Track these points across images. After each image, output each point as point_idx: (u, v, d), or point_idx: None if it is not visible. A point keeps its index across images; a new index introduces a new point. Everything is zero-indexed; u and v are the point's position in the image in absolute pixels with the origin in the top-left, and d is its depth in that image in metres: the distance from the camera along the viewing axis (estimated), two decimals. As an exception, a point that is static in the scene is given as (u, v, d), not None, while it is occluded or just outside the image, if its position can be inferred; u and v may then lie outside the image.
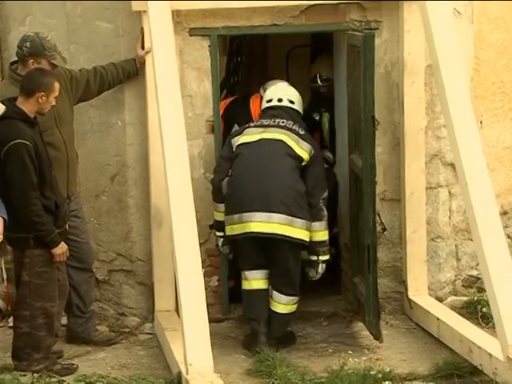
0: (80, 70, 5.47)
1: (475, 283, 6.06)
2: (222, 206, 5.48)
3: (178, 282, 4.80)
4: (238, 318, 5.86)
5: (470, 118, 5.17)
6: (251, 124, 5.60)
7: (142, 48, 5.52)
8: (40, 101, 4.85)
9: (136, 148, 5.72)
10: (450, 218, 5.98)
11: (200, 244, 5.09)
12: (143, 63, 5.54)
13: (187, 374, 4.58)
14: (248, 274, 5.50)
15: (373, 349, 5.35)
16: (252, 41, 7.13)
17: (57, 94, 4.91)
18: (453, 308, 5.76)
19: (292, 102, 5.60)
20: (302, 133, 5.50)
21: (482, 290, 5.75)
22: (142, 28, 5.51)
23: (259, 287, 5.48)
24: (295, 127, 5.51)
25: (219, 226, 5.54)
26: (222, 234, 5.53)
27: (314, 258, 5.46)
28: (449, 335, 5.28)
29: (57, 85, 4.91)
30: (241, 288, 6.06)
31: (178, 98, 5.18)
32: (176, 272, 4.85)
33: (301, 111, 5.66)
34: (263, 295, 5.48)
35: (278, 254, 5.40)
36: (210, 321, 4.85)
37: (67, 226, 5.04)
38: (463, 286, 6.08)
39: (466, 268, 6.08)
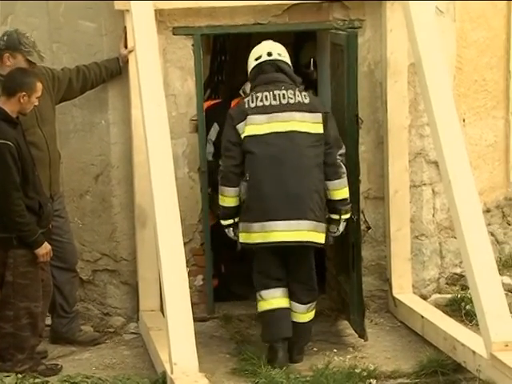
0: (62, 69, 5.44)
1: (459, 281, 6.08)
2: (232, 191, 5.10)
3: (163, 282, 4.79)
4: (222, 317, 5.86)
5: (452, 117, 5.18)
6: (250, 104, 5.10)
7: (125, 47, 5.51)
8: (22, 101, 4.83)
9: (120, 147, 5.71)
10: (433, 215, 6.00)
11: (184, 243, 5.08)
12: (126, 62, 5.53)
13: (172, 373, 4.57)
14: (266, 293, 5.15)
15: (357, 347, 5.36)
16: (235, 40, 7.13)
17: (39, 94, 4.88)
18: (437, 306, 5.77)
19: (282, 56, 5.23)
20: (306, 101, 5.11)
21: (465, 287, 5.78)
22: (125, 27, 5.50)
23: (281, 306, 5.16)
24: (298, 97, 5.10)
25: (227, 212, 5.17)
26: (230, 221, 5.20)
27: (336, 217, 5.16)
28: (433, 333, 5.30)
29: (39, 85, 4.89)
30: (224, 287, 6.07)
31: (161, 97, 5.16)
32: (160, 271, 4.83)
33: (291, 65, 5.28)
34: (287, 314, 5.16)
35: (299, 261, 5.15)
36: (195, 320, 4.85)
37: (51, 226, 5.02)
38: (447, 283, 6.11)
39: (449, 266, 6.10)
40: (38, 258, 4.87)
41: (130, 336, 5.67)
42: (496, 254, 6.26)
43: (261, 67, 5.18)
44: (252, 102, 5.11)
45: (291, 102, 5.09)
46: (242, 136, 5.06)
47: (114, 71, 5.57)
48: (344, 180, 5.13)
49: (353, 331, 5.45)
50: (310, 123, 5.07)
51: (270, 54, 5.20)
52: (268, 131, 5.07)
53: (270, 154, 5.04)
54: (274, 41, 5.42)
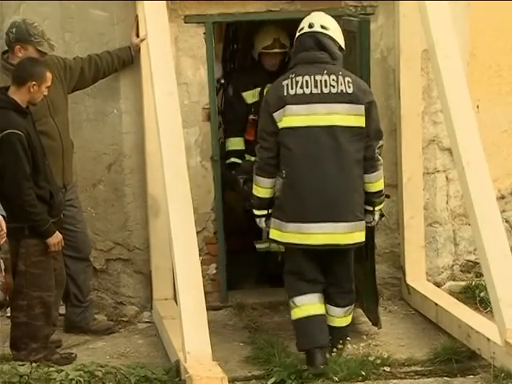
0: (74, 59, 5.44)
1: (473, 268, 6.06)
2: (268, 182, 4.84)
3: (176, 271, 4.80)
4: (236, 305, 5.86)
5: (466, 103, 5.15)
6: (289, 90, 4.73)
7: (137, 36, 5.49)
8: (32, 90, 4.83)
9: (132, 136, 5.70)
10: (447, 203, 5.97)
11: (197, 232, 5.12)
12: (138, 51, 5.51)
13: (185, 361, 4.59)
14: (300, 299, 4.86)
15: (371, 335, 5.34)
16: (248, 27, 7.10)
17: (49, 83, 4.88)
18: (451, 293, 5.75)
19: (325, 28, 4.80)
20: (350, 90, 4.73)
21: (480, 274, 5.75)
22: (137, 16, 5.48)
23: (317, 313, 4.86)
24: (341, 85, 4.71)
25: (261, 203, 4.92)
26: (264, 212, 4.94)
27: (370, 208, 4.97)
28: (447, 320, 5.28)
29: (49, 74, 4.89)
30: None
31: (173, 85, 5.15)
32: (173, 260, 4.84)
33: (340, 42, 4.88)
34: (324, 321, 4.88)
35: (337, 263, 4.92)
36: (209, 309, 4.87)
37: (62, 216, 5.03)
38: (461, 271, 6.08)
39: (463, 253, 6.08)
40: (49, 248, 4.88)
41: (143, 325, 5.69)
42: (511, 241, 6.24)
43: (300, 40, 4.82)
44: (291, 87, 4.73)
45: (333, 91, 4.72)
46: (279, 125, 4.75)
47: (126, 60, 5.56)
48: (380, 172, 4.92)
49: (366, 319, 5.44)
50: (352, 116, 4.74)
51: (311, 26, 4.79)
52: (307, 124, 4.73)
53: (308, 152, 4.72)
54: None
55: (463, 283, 5.91)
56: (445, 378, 4.80)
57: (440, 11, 5.32)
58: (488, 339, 4.76)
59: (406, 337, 5.33)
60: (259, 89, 5.97)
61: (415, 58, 5.65)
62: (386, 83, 5.77)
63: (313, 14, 4.95)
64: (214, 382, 4.44)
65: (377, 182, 4.93)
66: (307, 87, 4.73)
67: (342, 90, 4.72)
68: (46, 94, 4.90)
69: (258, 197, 4.94)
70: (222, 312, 5.80)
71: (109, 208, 5.76)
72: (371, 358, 4.95)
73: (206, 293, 4.84)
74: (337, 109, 4.73)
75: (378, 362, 4.95)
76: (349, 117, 4.73)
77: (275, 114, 4.75)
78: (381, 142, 4.91)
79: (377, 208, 5.01)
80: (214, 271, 5.86)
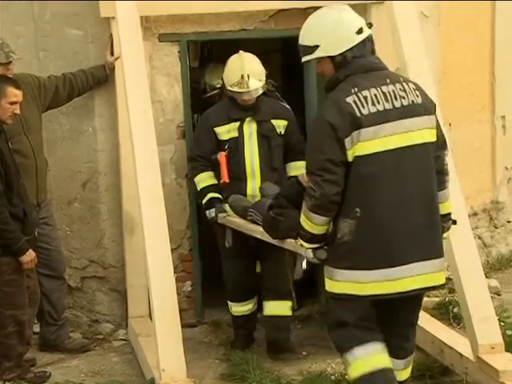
0: (49, 77, 5.45)
1: (446, 284, 6.08)
2: (327, 220, 3.87)
3: (150, 288, 4.78)
4: (211, 322, 5.86)
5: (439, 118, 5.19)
6: (361, 108, 3.76)
7: (112, 54, 5.52)
8: None
9: (107, 154, 5.72)
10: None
11: (173, 249, 5.12)
12: (113, 69, 5.54)
13: (160, 379, 4.56)
14: (363, 350, 3.89)
15: (347, 351, 5.37)
16: (223, 46, 7.14)
17: (12, 99, 4.82)
18: (425, 309, 5.74)
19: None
20: (419, 100, 3.87)
21: (453, 290, 5.77)
22: (111, 34, 5.50)
23: (385, 366, 3.89)
24: (410, 94, 3.85)
25: (315, 238, 3.95)
26: (316, 245, 3.98)
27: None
28: (421, 336, 5.25)
29: (11, 90, 4.82)
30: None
31: (148, 104, 5.14)
32: (148, 278, 4.82)
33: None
34: (393, 378, 3.94)
35: (406, 310, 4.04)
36: (184, 326, 4.87)
37: (36, 234, 5.02)
38: (435, 287, 6.11)
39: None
40: (22, 266, 4.85)
41: (118, 343, 5.67)
42: (483, 258, 6.28)
43: (364, 45, 3.84)
44: (362, 105, 3.78)
45: (404, 103, 3.82)
46: (351, 154, 3.78)
47: (101, 78, 5.58)
48: (449, 189, 4.05)
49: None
50: (428, 129, 3.88)
51: (369, 27, 3.90)
52: (384, 148, 3.80)
53: (390, 182, 3.80)
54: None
55: (437, 299, 5.93)
56: (419, 393, 4.83)
57: (411, 30, 5.39)
58: (461, 355, 4.78)
59: None
60: (237, 123, 5.30)
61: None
62: None
63: (341, 6, 3.93)
64: None
65: (447, 202, 4.05)
66: (378, 103, 3.80)
67: (412, 101, 3.85)
68: (16, 112, 4.86)
69: (310, 233, 3.96)
70: (197, 329, 5.79)
71: (84, 226, 5.76)
72: (346, 375, 4.94)
73: (181, 310, 4.84)
74: (414, 125, 3.84)
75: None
76: (425, 132, 3.87)
77: (347, 140, 3.76)
78: (447, 151, 4.06)
79: (444, 235, 4.06)
80: (190, 288, 5.86)
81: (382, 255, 3.81)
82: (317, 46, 3.83)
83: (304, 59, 3.93)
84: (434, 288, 3.97)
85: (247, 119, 5.28)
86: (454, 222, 4.17)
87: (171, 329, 4.67)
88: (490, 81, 6.43)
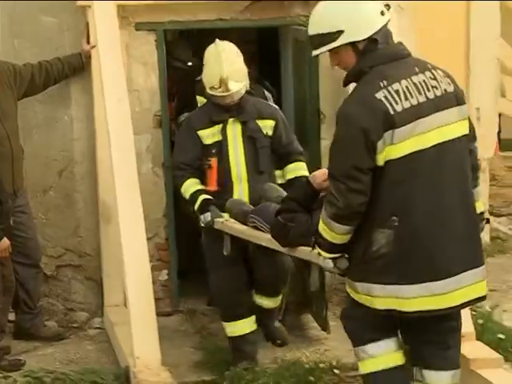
0: (24, 65, 5.43)
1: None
2: (349, 230, 3.50)
3: (126, 276, 4.81)
4: (187, 311, 5.88)
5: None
6: (393, 104, 3.32)
7: (88, 43, 5.50)
8: None
9: (83, 143, 5.71)
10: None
11: (149, 238, 5.15)
12: (89, 58, 5.53)
13: (135, 367, 4.60)
14: (371, 348, 3.66)
15: (320, 340, 5.40)
16: (200, 36, 7.14)
17: None
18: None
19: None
20: (451, 88, 3.46)
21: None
22: (88, 22, 5.49)
23: (396, 363, 3.64)
24: (442, 83, 3.44)
25: (335, 248, 3.59)
26: (337, 255, 3.61)
27: None
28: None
29: None
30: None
31: (124, 92, 5.17)
32: (123, 266, 4.84)
33: None
34: (402, 376, 3.65)
35: (452, 328, 3.65)
36: (160, 315, 4.91)
37: (12, 222, 5.01)
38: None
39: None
40: (-4, 254, 4.86)
41: (94, 331, 5.68)
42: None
43: (386, 30, 3.43)
44: (394, 100, 3.32)
45: (437, 93, 3.40)
46: (382, 158, 3.34)
47: (77, 67, 5.57)
48: (481, 186, 3.70)
49: (316, 324, 5.49)
50: (461, 121, 3.48)
51: (388, 9, 3.49)
52: (419, 148, 3.38)
53: (428, 186, 3.40)
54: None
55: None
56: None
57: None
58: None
59: None
60: (220, 126, 4.96)
61: (363, 67, 5.75)
62: (335, 91, 5.79)
63: None
64: None
65: (480, 200, 3.67)
66: (412, 96, 3.35)
67: (445, 90, 3.43)
68: None
69: (331, 242, 3.58)
70: (173, 318, 5.81)
71: (59, 214, 5.75)
72: (321, 365, 5.00)
73: (157, 299, 4.89)
74: (448, 117, 3.44)
75: (327, 366, 4.98)
76: (459, 124, 3.47)
77: (379, 143, 3.32)
78: (477, 145, 3.68)
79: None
80: (166, 277, 5.87)
81: (425, 267, 3.40)
82: (340, 32, 3.35)
83: (320, 50, 3.43)
84: (482, 299, 3.54)
85: (230, 120, 4.91)
86: (488, 221, 3.85)
87: (146, 317, 4.70)
88: (465, 74, 6.48)
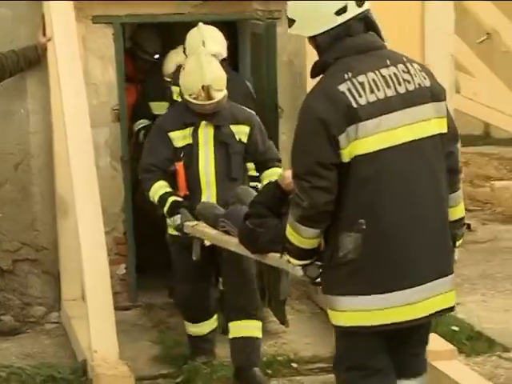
0: (-21, 58, 5.41)
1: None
2: (317, 233, 3.29)
3: (83, 270, 4.82)
4: (145, 305, 5.90)
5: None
6: (357, 97, 3.17)
7: (44, 35, 5.47)
8: None
9: (40, 136, 5.68)
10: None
11: (107, 232, 5.16)
12: (45, 50, 5.49)
13: (92, 360, 4.62)
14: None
15: (279, 333, 5.43)
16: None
17: None
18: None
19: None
20: (427, 83, 3.28)
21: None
22: (43, 15, 5.47)
23: None
24: (416, 76, 3.25)
25: (304, 254, 3.38)
26: (306, 262, 3.40)
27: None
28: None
29: None
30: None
31: (81, 85, 5.17)
32: (81, 260, 4.85)
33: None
34: None
35: (421, 330, 3.47)
36: (118, 309, 4.94)
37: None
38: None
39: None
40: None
41: (51, 325, 5.67)
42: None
43: (348, 27, 3.25)
44: (358, 94, 3.16)
45: (410, 88, 3.22)
46: (347, 154, 3.17)
47: (33, 59, 5.53)
48: (461, 190, 3.48)
49: (275, 318, 5.51)
50: (437, 119, 3.29)
51: (360, 4, 3.27)
52: (388, 145, 3.20)
53: (397, 186, 3.21)
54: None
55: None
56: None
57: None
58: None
59: (311, 335, 5.42)
60: (191, 129, 4.79)
61: (321, 61, 5.81)
62: (293, 85, 5.88)
63: None
64: (120, 381, 4.49)
65: (460, 205, 3.47)
66: (378, 89, 3.18)
67: (419, 85, 3.24)
68: None
69: (299, 247, 3.37)
70: (131, 312, 5.82)
71: (16, 208, 5.72)
72: (279, 358, 5.05)
73: (115, 293, 4.92)
74: (421, 113, 3.24)
75: (285, 359, 5.03)
76: (435, 122, 3.27)
77: (341, 137, 3.15)
78: (459, 146, 3.46)
79: (458, 243, 3.49)
80: (124, 271, 5.88)
81: (395, 274, 3.19)
82: (293, 21, 3.27)
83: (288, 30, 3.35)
84: (451, 310, 3.35)
85: (203, 123, 4.73)
86: (468, 227, 3.68)
87: (104, 310, 4.72)
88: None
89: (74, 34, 5.28)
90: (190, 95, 4.63)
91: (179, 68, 5.01)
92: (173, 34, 6.19)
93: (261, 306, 4.87)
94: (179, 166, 4.73)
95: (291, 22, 3.26)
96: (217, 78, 4.63)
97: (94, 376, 4.55)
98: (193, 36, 5.15)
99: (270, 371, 4.89)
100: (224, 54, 5.06)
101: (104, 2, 5.59)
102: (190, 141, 4.74)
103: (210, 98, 4.62)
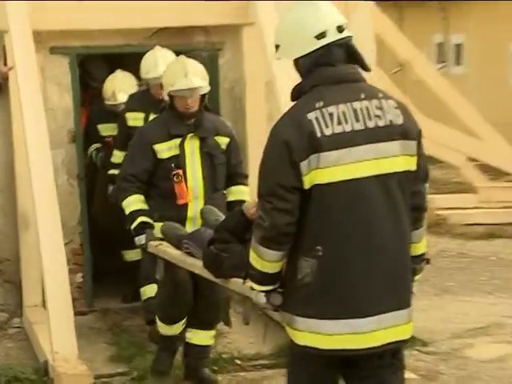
0: None
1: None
2: (279, 256, 3.25)
3: (45, 278, 5.03)
4: (100, 310, 6.15)
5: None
6: (323, 128, 3.16)
7: (5, 65, 5.73)
8: None
9: (1, 158, 5.91)
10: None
11: (65, 244, 5.35)
12: (6, 79, 5.75)
13: (53, 361, 4.82)
14: None
15: (223, 334, 5.58)
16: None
17: None
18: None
19: (346, 29, 3.28)
20: (400, 121, 3.25)
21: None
22: (5, 46, 5.72)
23: None
24: (388, 114, 3.23)
25: (266, 278, 3.31)
26: (269, 288, 3.34)
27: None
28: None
29: None
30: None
31: (41, 111, 5.38)
32: (43, 270, 5.07)
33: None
34: None
35: (386, 369, 3.35)
36: (76, 314, 5.12)
37: None
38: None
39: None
40: None
41: (13, 330, 5.86)
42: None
43: (328, 52, 3.23)
44: (325, 124, 3.16)
45: (380, 124, 3.20)
46: (308, 182, 3.16)
47: (-5, 88, 5.73)
48: (424, 227, 3.45)
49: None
50: (405, 156, 3.25)
51: (341, 30, 3.23)
52: (351, 177, 3.18)
53: (356, 217, 3.19)
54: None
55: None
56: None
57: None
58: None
59: (254, 334, 5.45)
60: (178, 140, 4.79)
61: (259, 88, 6.14)
62: (234, 109, 6.22)
63: (323, 4, 3.28)
64: (80, 379, 4.70)
65: (422, 242, 3.45)
66: (346, 122, 3.17)
67: (391, 121, 3.22)
68: None
69: (261, 271, 3.30)
70: (88, 317, 6.04)
71: (-22, 224, 5.87)
72: (223, 355, 5.29)
73: (73, 299, 5.08)
74: (388, 150, 3.21)
75: (230, 357, 5.27)
76: (401, 158, 3.24)
77: (303, 164, 3.15)
78: (427, 186, 3.43)
79: (416, 278, 3.47)
80: (81, 279, 6.15)
81: (348, 303, 3.19)
82: (278, 46, 3.31)
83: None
84: (405, 342, 3.29)
85: (189, 135, 4.75)
86: (428, 262, 3.57)
87: (64, 315, 4.95)
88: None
89: (34, 63, 5.47)
90: (172, 85, 4.63)
91: (131, 96, 5.52)
92: (122, 60, 6.51)
93: (219, 319, 4.96)
94: (182, 173, 4.74)
95: (276, 47, 3.30)
96: (197, 67, 4.73)
97: (55, 375, 4.77)
98: (147, 59, 5.57)
99: (216, 367, 5.08)
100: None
101: (61, 34, 5.84)
102: (177, 152, 4.75)
103: (193, 83, 4.64)
